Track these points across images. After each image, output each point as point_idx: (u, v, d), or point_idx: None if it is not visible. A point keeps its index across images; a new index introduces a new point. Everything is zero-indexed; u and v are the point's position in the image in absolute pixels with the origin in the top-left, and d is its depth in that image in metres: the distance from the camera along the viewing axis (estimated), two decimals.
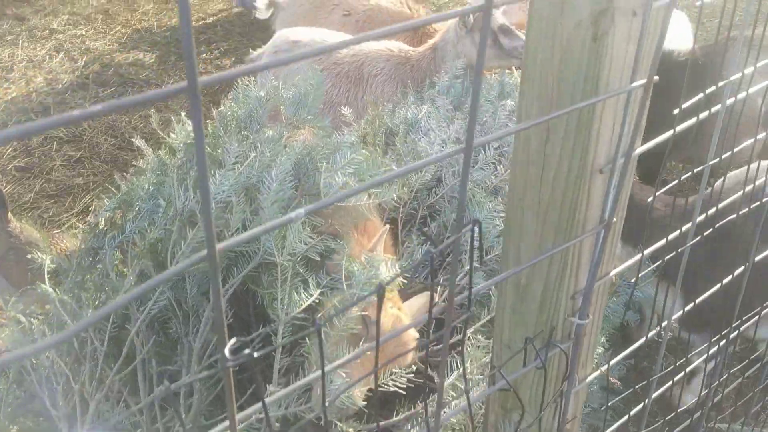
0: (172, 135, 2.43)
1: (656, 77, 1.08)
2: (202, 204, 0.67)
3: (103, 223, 2.42)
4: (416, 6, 4.80)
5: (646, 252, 1.45)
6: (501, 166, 2.93)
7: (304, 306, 1.87)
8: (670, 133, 1.28)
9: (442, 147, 2.72)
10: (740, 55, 1.41)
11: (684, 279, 2.87)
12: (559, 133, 1.21)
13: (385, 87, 3.84)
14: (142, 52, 6.71)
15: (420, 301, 2.10)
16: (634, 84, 1.09)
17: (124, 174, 2.68)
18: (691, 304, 1.74)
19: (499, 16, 3.68)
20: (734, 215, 1.62)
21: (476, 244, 1.41)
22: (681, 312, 1.72)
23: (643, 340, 1.64)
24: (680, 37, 4.21)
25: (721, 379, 2.26)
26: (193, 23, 7.44)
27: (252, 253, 2.01)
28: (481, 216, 2.69)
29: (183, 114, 2.64)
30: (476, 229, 1.04)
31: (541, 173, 1.28)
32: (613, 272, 1.43)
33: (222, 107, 2.48)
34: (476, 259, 2.10)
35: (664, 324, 1.70)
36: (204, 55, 6.66)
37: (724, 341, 2.07)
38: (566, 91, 1.17)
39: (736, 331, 2.08)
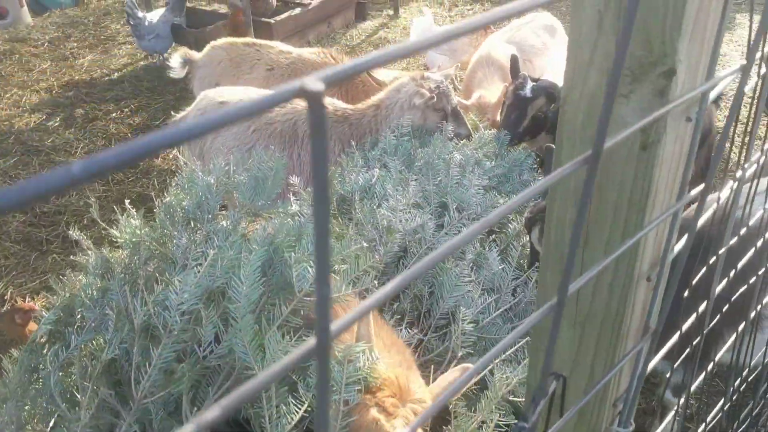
0: (114, 231, 2.19)
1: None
2: None
3: (42, 336, 2.15)
4: (339, 56, 4.69)
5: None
6: (465, 229, 2.84)
7: (295, 421, 1.68)
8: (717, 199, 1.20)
9: (404, 213, 2.60)
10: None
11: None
12: (600, 240, 1.11)
13: None
14: (44, 115, 6.28)
15: (450, 377, 1.94)
16: (693, 192, 1.00)
17: (60, 275, 2.40)
18: (710, 365, 1.66)
19: (454, 99, 3.69)
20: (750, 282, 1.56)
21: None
22: (702, 376, 1.64)
23: (671, 415, 1.55)
24: None
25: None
26: (98, 79, 7.06)
27: (225, 366, 1.80)
28: (449, 284, 2.58)
29: (127, 202, 2.40)
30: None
31: (579, 274, 1.17)
32: (650, 365, 1.33)
33: (167, 197, 2.26)
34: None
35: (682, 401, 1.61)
36: (114, 115, 6.30)
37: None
38: (608, 203, 1.07)
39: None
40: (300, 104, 3.83)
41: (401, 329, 2.42)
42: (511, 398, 2.13)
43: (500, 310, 2.67)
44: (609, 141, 0.97)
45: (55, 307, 2.13)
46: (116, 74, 7.24)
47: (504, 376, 2.17)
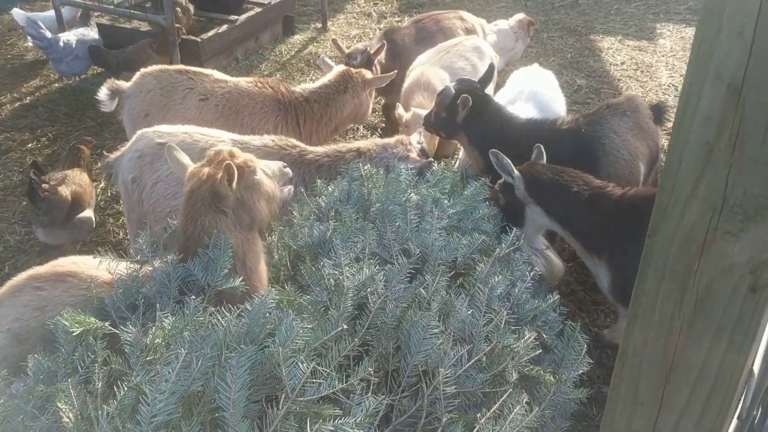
0: None
1: None
2: None
3: None
4: (276, 85, 4.50)
5: None
6: (428, 276, 2.74)
7: None
8: None
9: (352, 265, 2.50)
10: None
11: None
12: (688, 379, 1.00)
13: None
14: None
15: None
16: None
17: None
18: None
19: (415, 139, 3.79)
20: None
21: None
22: None
23: None
24: (558, 102, 4.30)
25: None
26: (8, 105, 6.57)
27: None
28: (416, 338, 2.46)
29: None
30: None
31: (656, 417, 1.07)
32: None
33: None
34: None
35: None
36: (30, 145, 5.86)
37: None
38: (702, 336, 0.97)
39: None
40: (251, 144, 3.60)
41: (367, 396, 2.24)
42: None
43: (473, 360, 2.58)
44: (712, 279, 0.86)
45: None
46: (29, 98, 6.76)
47: None
